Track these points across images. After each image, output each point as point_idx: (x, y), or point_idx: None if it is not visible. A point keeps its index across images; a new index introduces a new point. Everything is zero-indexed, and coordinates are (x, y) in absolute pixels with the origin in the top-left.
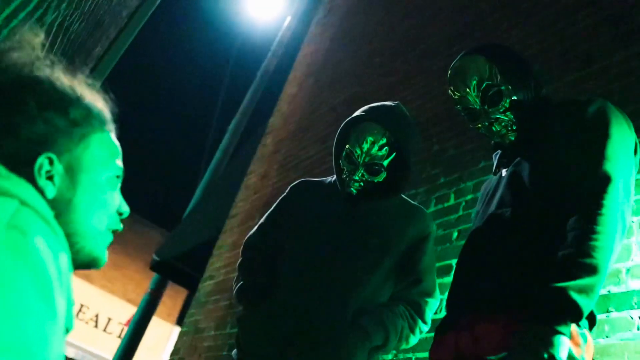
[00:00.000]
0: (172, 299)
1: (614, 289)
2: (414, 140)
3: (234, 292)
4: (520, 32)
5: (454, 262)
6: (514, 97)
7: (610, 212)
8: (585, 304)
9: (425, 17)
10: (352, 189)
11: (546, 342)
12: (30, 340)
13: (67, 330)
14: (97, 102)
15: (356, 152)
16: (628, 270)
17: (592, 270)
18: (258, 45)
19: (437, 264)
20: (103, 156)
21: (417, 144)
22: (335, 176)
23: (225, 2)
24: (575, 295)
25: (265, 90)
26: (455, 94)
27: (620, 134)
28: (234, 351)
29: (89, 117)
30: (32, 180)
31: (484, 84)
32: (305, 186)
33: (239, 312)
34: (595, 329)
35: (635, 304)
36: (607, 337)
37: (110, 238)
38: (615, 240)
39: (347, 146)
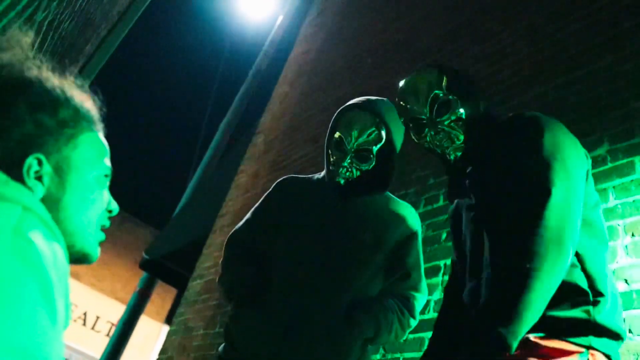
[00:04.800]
0: (161, 297)
1: None
2: (402, 132)
3: (221, 289)
4: (510, 35)
5: (442, 262)
6: (462, 110)
7: (553, 246)
8: (512, 340)
9: (417, 18)
10: (340, 178)
11: None
12: (34, 343)
13: (65, 327)
14: (86, 102)
15: (346, 139)
16: (614, 272)
17: (521, 311)
18: (250, 45)
19: (426, 265)
20: (91, 155)
21: (402, 135)
22: (323, 172)
23: (217, 1)
24: (503, 336)
25: (256, 90)
26: (403, 104)
27: (568, 156)
28: (221, 347)
29: (78, 117)
30: (20, 181)
31: (433, 93)
32: (292, 182)
33: (230, 310)
34: None
35: (621, 305)
36: None
37: (100, 235)
38: (554, 278)
39: (337, 134)
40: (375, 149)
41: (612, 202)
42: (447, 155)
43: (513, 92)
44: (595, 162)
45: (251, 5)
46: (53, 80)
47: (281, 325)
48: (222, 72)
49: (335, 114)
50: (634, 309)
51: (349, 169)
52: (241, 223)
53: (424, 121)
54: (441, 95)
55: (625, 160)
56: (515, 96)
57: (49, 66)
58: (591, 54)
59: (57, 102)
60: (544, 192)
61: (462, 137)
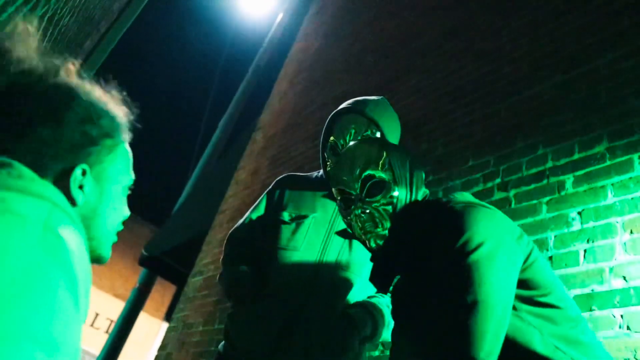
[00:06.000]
0: (161, 294)
1: (597, 288)
2: (397, 133)
3: (221, 287)
4: (510, 32)
5: None
6: (395, 194)
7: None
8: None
9: (416, 15)
10: None
11: None
12: (60, 333)
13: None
14: (119, 112)
15: (340, 143)
16: (611, 269)
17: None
18: (250, 42)
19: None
20: (123, 166)
21: (398, 136)
22: (321, 171)
23: None
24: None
25: (256, 87)
26: (336, 172)
27: (498, 261)
28: (221, 344)
29: (115, 128)
30: (66, 189)
31: (369, 171)
32: (292, 180)
33: (230, 307)
34: None
35: (618, 302)
36: None
37: (115, 239)
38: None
39: (331, 138)
40: None
41: (610, 199)
42: (367, 242)
43: (512, 90)
44: (594, 160)
45: (251, 2)
46: (96, 91)
47: (279, 324)
48: (222, 68)
49: (329, 118)
50: (633, 305)
51: None
52: (241, 221)
53: (352, 197)
54: (376, 174)
55: (624, 158)
56: (515, 94)
57: (86, 75)
58: (591, 51)
59: (100, 114)
60: (472, 307)
61: (387, 224)
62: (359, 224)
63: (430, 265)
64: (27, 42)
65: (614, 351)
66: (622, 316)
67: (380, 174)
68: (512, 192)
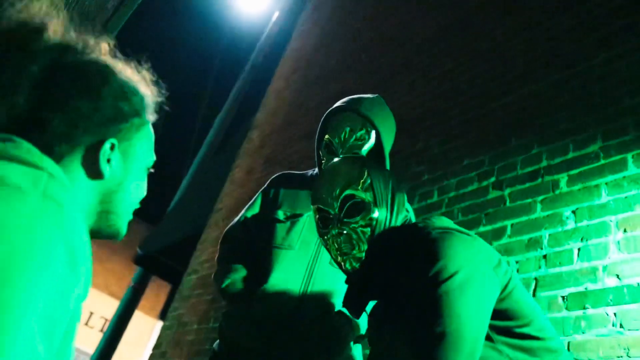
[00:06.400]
0: (156, 293)
1: (591, 286)
2: (392, 132)
3: (216, 286)
4: (506, 31)
5: None
6: (375, 216)
7: None
8: None
9: (412, 14)
10: None
11: None
12: (56, 304)
13: (84, 297)
14: (148, 92)
15: (335, 141)
16: (605, 267)
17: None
18: (245, 40)
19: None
20: (148, 145)
21: (393, 135)
22: (316, 169)
23: None
24: None
25: (252, 85)
26: (317, 189)
27: (474, 291)
28: (216, 343)
29: (144, 107)
30: (95, 161)
31: (348, 191)
32: (287, 178)
33: (225, 306)
34: (571, 324)
35: (611, 300)
36: (583, 333)
37: (131, 216)
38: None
39: (326, 136)
40: (364, 151)
41: (604, 198)
42: (342, 263)
43: (507, 89)
44: (588, 159)
45: (247, 0)
46: (128, 70)
47: (274, 322)
48: (217, 67)
49: (324, 116)
50: (626, 303)
51: None
52: (236, 219)
53: (331, 216)
54: (357, 195)
55: (618, 157)
56: (510, 93)
57: (117, 52)
58: (585, 51)
59: (132, 91)
60: (441, 338)
61: (364, 247)
62: (336, 245)
63: (404, 293)
64: (59, 18)
65: (607, 349)
66: (615, 314)
67: (360, 194)
68: (506, 191)
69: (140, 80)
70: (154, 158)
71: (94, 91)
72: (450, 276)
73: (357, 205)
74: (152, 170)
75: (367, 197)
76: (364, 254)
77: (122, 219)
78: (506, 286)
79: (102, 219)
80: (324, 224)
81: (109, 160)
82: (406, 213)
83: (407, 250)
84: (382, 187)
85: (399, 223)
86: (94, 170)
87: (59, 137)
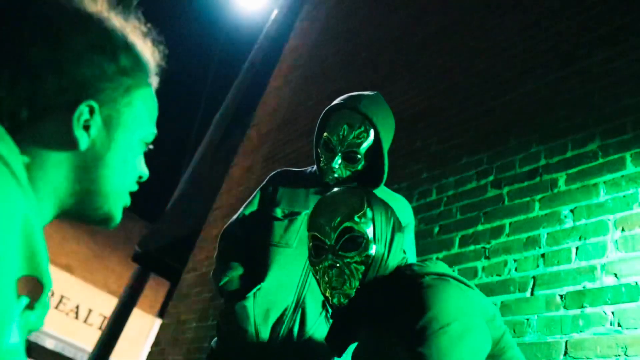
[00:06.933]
0: (154, 291)
1: (589, 285)
2: (391, 130)
3: (214, 284)
4: (505, 30)
5: (434, 256)
6: (371, 253)
7: None
8: None
9: (411, 13)
10: (330, 178)
11: None
12: None
13: (49, 287)
14: (146, 51)
15: (333, 139)
16: (603, 266)
17: None
18: (244, 38)
19: (418, 259)
20: (143, 114)
21: (392, 133)
22: (315, 166)
23: None
24: None
25: (250, 83)
26: (314, 217)
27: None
28: (214, 341)
29: (138, 67)
30: (68, 127)
31: (347, 224)
32: (286, 175)
33: (223, 304)
34: (569, 323)
35: (609, 299)
36: (581, 331)
37: (128, 200)
38: None
39: (325, 134)
40: (363, 149)
41: (602, 197)
42: (330, 297)
43: (507, 88)
44: (587, 158)
45: None
46: (114, 20)
47: (272, 320)
48: (216, 65)
49: (323, 113)
50: (623, 302)
51: (339, 170)
52: (235, 217)
53: (326, 247)
54: (356, 228)
55: (616, 156)
56: (509, 92)
57: (110, 5)
58: (584, 50)
59: (118, 46)
60: None
61: (356, 284)
62: (326, 278)
63: (392, 342)
64: None
65: (604, 347)
66: (613, 313)
67: (360, 228)
68: (505, 190)
69: (138, 38)
70: (154, 131)
71: (56, 38)
72: (442, 327)
73: (355, 240)
74: (151, 147)
75: (367, 232)
76: (353, 291)
77: (111, 201)
78: (498, 342)
79: (84, 200)
80: (316, 253)
81: (87, 128)
82: (404, 255)
83: (399, 296)
84: (384, 224)
85: (395, 264)
86: (65, 139)
87: (14, 96)
